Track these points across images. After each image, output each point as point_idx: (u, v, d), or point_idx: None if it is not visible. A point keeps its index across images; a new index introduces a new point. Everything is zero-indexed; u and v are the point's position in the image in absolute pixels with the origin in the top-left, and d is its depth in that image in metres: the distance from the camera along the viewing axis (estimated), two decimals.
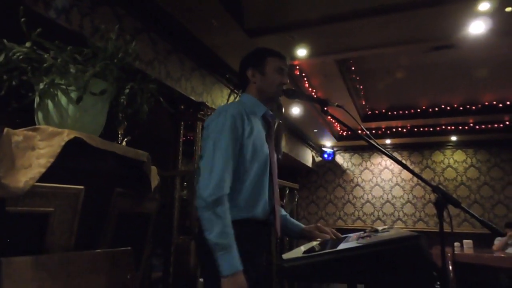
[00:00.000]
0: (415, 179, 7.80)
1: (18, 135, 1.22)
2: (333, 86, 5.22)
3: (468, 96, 6.24)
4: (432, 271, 1.04)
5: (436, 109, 6.68)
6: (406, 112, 6.89)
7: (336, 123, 7.06)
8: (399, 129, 7.38)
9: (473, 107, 6.48)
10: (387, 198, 7.82)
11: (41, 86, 1.34)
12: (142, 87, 1.53)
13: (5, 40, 1.37)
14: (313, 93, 5.34)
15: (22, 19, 1.31)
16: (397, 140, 7.73)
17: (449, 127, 7.09)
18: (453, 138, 7.39)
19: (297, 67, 4.55)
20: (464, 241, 6.22)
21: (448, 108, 6.60)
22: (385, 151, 1.56)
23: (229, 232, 1.25)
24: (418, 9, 3.10)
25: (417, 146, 7.79)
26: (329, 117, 1.76)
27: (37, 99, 1.45)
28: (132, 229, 1.83)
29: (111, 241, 1.55)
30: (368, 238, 1.26)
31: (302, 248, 1.20)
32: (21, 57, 1.27)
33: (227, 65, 3.97)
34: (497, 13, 3.08)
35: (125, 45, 1.50)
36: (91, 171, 1.41)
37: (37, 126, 1.27)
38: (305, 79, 4.88)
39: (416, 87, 5.83)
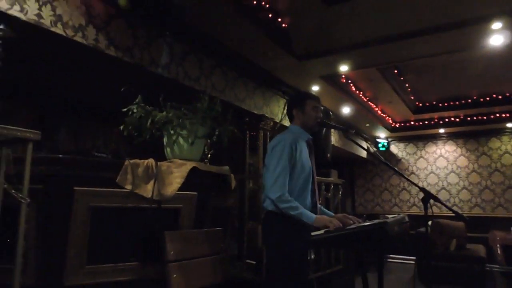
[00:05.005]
0: (471, 165, 8.02)
1: (163, 165, 2.22)
2: (379, 88, 5.80)
3: None
4: (395, 244, 1.83)
5: (488, 98, 6.85)
6: (457, 103, 7.15)
7: (388, 117, 7.56)
8: (452, 118, 7.62)
9: None
10: (442, 185, 8.15)
11: (173, 136, 2.32)
12: (225, 129, 2.47)
13: (148, 107, 2.38)
14: (361, 95, 5.98)
15: (161, 98, 2.30)
16: (451, 129, 7.97)
17: (503, 115, 7.21)
18: (509, 125, 7.48)
19: (343, 75, 5.23)
20: None
21: (500, 97, 6.76)
22: (397, 170, 2.33)
23: (297, 206, 2.11)
24: (446, 31, 3.66)
25: (472, 134, 7.96)
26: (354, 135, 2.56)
27: (165, 140, 2.46)
28: (220, 217, 2.81)
29: (211, 224, 2.53)
30: (365, 223, 2.07)
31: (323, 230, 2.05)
32: (162, 121, 2.26)
33: (283, 81, 4.84)
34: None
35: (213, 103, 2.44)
36: (200, 183, 2.38)
37: (172, 159, 2.27)
38: (352, 84, 5.55)
39: (463, 79, 6.10)
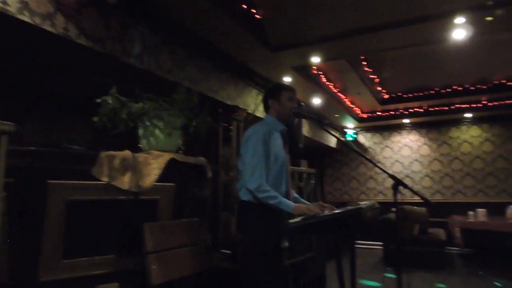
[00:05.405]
0: (432, 154, 8.41)
1: (141, 157, 2.20)
2: (348, 79, 5.95)
3: (478, 77, 6.73)
4: (370, 229, 1.93)
5: (449, 90, 7.21)
6: (421, 94, 7.46)
7: (356, 108, 7.77)
8: (416, 109, 7.95)
9: (484, 86, 6.97)
10: (407, 173, 8.50)
11: (149, 127, 2.30)
12: (202, 119, 2.47)
13: (123, 98, 2.34)
14: (331, 86, 6.11)
15: (137, 90, 2.27)
16: (415, 119, 8.32)
17: (463, 105, 7.61)
18: (468, 115, 7.90)
19: (314, 67, 5.32)
20: (478, 209, 6.83)
21: (460, 88, 7.12)
22: (370, 159, 2.42)
23: (276, 195, 2.17)
24: (412, 25, 3.81)
25: (434, 124, 8.35)
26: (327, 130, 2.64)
27: (141, 131, 2.43)
28: (197, 207, 2.83)
29: (189, 215, 2.54)
30: (340, 210, 2.16)
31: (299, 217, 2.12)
32: (138, 112, 2.23)
33: (255, 72, 4.86)
34: (474, 22, 3.74)
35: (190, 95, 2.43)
36: (178, 173, 2.38)
37: (149, 151, 2.25)
38: (322, 75, 5.65)
39: (428, 71, 6.37)
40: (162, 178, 2.23)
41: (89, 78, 2.36)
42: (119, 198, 2.06)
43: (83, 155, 2.05)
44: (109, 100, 2.24)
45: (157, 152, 2.24)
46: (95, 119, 2.29)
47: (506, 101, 7.34)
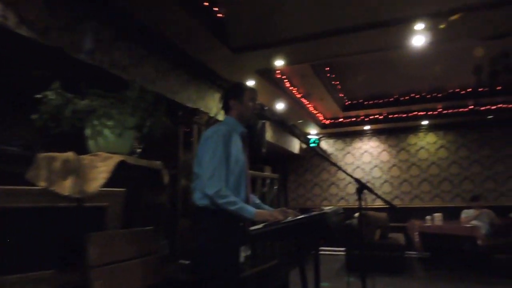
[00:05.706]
0: (392, 160, 8.61)
1: (86, 159, 1.98)
2: (311, 84, 5.94)
3: (434, 85, 6.99)
4: (334, 235, 1.83)
5: (407, 97, 7.43)
6: (381, 101, 7.64)
7: (319, 114, 7.80)
8: (376, 116, 8.13)
9: (440, 95, 7.25)
10: (367, 179, 8.63)
11: (98, 127, 2.08)
12: (157, 119, 2.28)
13: (68, 94, 2.11)
14: (295, 92, 6.08)
15: (81, 84, 2.04)
16: (375, 126, 8.49)
17: (419, 113, 7.86)
18: (424, 122, 8.17)
19: (278, 71, 5.25)
20: (434, 214, 7.01)
21: (418, 96, 7.36)
22: (336, 164, 2.34)
23: (236, 200, 2.03)
24: (374, 28, 3.82)
25: (393, 130, 8.56)
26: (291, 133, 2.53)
27: (88, 131, 2.20)
28: (151, 215, 2.62)
29: (141, 223, 2.32)
30: (302, 216, 2.05)
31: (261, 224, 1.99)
32: (84, 110, 2.01)
33: (218, 75, 4.70)
34: (432, 29, 3.81)
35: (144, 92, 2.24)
36: (130, 178, 2.17)
37: (96, 152, 2.03)
38: (286, 80, 5.60)
39: (388, 79, 6.53)
40: (111, 182, 2.01)
41: (29, 71, 2.11)
42: (59, 205, 1.83)
43: (17, 156, 1.81)
44: (52, 96, 2.00)
45: (105, 154, 2.03)
46: (35, 117, 2.04)
47: (459, 109, 7.67)
